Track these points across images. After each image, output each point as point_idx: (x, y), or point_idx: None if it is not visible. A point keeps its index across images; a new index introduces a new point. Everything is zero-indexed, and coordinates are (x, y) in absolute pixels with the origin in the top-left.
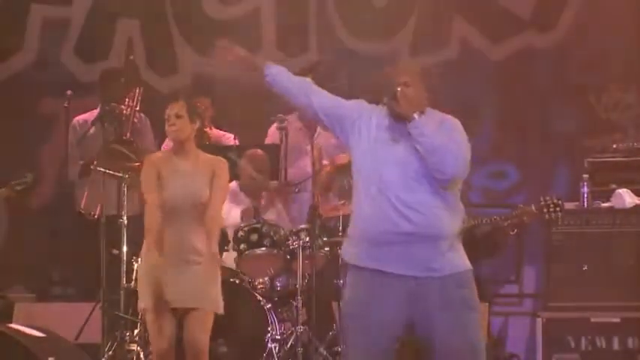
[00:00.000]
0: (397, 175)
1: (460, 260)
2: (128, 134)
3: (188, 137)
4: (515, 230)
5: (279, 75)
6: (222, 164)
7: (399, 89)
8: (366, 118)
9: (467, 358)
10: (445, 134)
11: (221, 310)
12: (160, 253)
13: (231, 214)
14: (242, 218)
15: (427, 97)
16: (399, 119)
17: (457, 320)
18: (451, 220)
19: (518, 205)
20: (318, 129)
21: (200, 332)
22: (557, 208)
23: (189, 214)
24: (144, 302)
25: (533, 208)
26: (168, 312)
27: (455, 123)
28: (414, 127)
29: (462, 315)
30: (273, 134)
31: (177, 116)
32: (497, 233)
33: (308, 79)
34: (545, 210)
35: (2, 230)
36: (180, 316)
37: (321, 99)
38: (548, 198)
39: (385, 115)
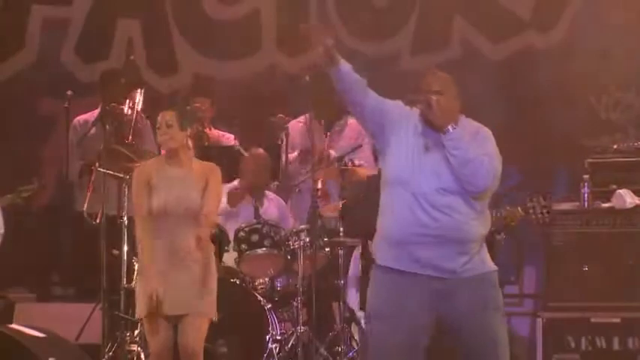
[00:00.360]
0: (431, 182)
1: (486, 262)
2: (130, 137)
3: (180, 145)
4: (503, 234)
5: (350, 72)
6: (215, 171)
7: (434, 98)
8: (405, 122)
9: (492, 356)
10: (478, 146)
11: (214, 316)
12: (151, 260)
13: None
14: (228, 199)
15: (459, 105)
16: (433, 127)
17: (483, 320)
18: (479, 224)
19: (504, 207)
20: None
21: (192, 338)
22: (545, 209)
23: (181, 221)
24: (139, 310)
25: (519, 210)
26: (162, 317)
27: (488, 134)
28: (448, 139)
29: (487, 315)
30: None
31: (168, 125)
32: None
33: (364, 79)
34: (532, 211)
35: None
36: (176, 320)
37: (372, 99)
38: (535, 199)
39: (419, 121)
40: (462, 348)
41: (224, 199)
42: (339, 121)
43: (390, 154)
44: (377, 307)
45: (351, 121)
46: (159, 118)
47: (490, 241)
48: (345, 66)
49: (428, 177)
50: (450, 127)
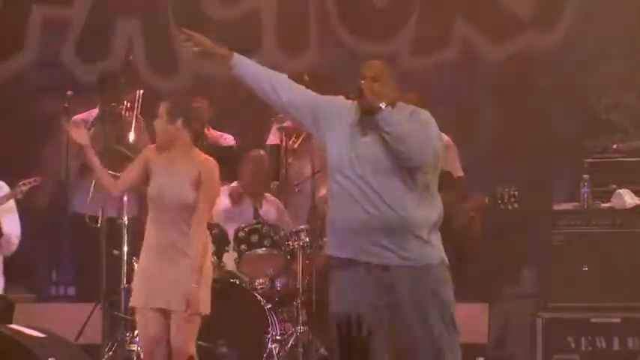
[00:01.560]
0: (369, 169)
1: (432, 252)
2: (131, 138)
3: (171, 136)
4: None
5: (247, 67)
6: (211, 166)
7: (363, 82)
8: (343, 114)
9: (427, 349)
10: (414, 124)
11: (206, 311)
12: (145, 248)
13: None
14: (230, 197)
15: (395, 93)
16: (368, 114)
17: (422, 311)
18: (423, 211)
19: (470, 197)
20: None
21: (179, 333)
22: (513, 199)
23: (173, 213)
24: (133, 300)
25: (486, 200)
26: (154, 311)
27: (424, 114)
28: (381, 117)
29: (427, 306)
30: (273, 134)
31: (159, 116)
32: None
33: (283, 75)
34: (500, 201)
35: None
36: (166, 315)
37: (293, 94)
38: (501, 189)
39: (357, 112)
40: (400, 339)
41: (225, 200)
42: None
43: (330, 147)
44: (329, 297)
45: None
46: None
47: (466, 227)
48: (236, 61)
49: (364, 161)
50: (381, 105)
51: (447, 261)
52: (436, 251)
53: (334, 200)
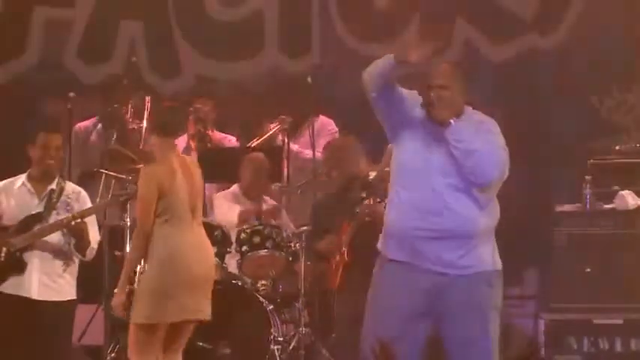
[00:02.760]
0: (435, 177)
1: (488, 259)
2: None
3: (152, 146)
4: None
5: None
6: (142, 171)
7: (432, 94)
8: (417, 114)
9: (482, 355)
10: (482, 138)
11: (138, 320)
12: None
13: (229, 214)
14: (239, 219)
15: (464, 98)
16: (436, 122)
17: (477, 318)
18: (484, 219)
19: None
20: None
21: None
22: None
23: None
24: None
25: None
26: None
27: (492, 125)
28: (450, 132)
29: (480, 313)
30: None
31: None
32: None
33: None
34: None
35: None
36: None
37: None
38: None
39: (425, 116)
40: (454, 345)
41: (227, 202)
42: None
43: (403, 148)
44: (372, 295)
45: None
46: None
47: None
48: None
49: (436, 173)
50: (451, 121)
51: (499, 267)
52: (491, 257)
53: (399, 205)
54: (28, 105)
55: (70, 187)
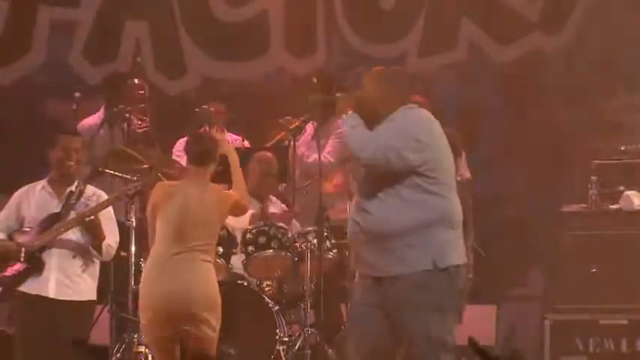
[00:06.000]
0: (359, 182)
1: (416, 260)
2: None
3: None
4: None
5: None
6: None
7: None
8: None
9: (424, 357)
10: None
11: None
12: None
13: (241, 218)
14: (250, 222)
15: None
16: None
17: (414, 319)
18: (405, 216)
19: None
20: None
21: None
22: None
23: None
24: None
25: None
26: None
27: (400, 113)
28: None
29: (417, 315)
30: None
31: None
32: None
33: None
34: None
35: None
36: None
37: None
38: None
39: None
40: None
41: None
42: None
43: None
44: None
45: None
46: None
47: None
48: None
49: (358, 175)
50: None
51: (430, 267)
52: (421, 257)
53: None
54: (34, 105)
55: (91, 189)
